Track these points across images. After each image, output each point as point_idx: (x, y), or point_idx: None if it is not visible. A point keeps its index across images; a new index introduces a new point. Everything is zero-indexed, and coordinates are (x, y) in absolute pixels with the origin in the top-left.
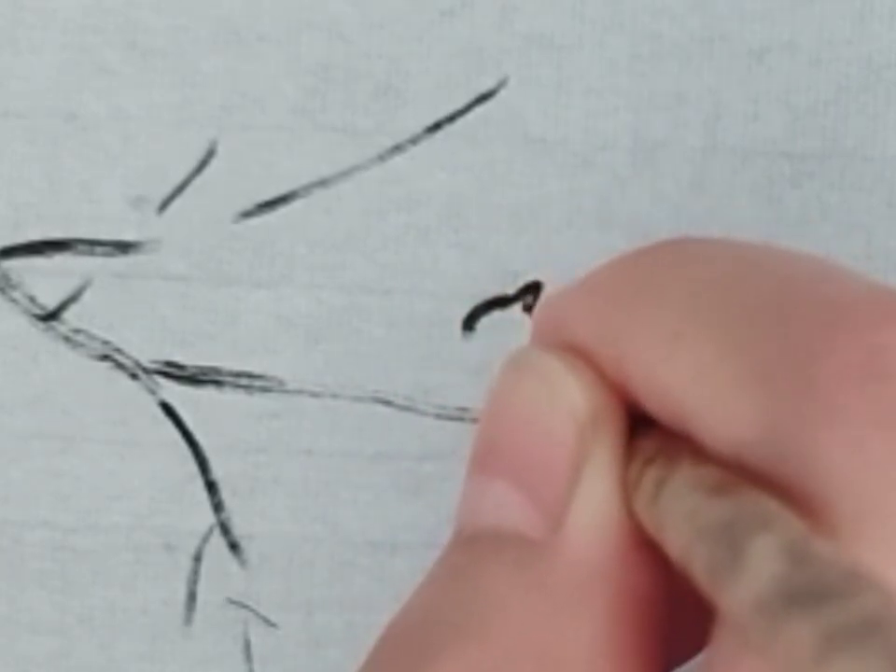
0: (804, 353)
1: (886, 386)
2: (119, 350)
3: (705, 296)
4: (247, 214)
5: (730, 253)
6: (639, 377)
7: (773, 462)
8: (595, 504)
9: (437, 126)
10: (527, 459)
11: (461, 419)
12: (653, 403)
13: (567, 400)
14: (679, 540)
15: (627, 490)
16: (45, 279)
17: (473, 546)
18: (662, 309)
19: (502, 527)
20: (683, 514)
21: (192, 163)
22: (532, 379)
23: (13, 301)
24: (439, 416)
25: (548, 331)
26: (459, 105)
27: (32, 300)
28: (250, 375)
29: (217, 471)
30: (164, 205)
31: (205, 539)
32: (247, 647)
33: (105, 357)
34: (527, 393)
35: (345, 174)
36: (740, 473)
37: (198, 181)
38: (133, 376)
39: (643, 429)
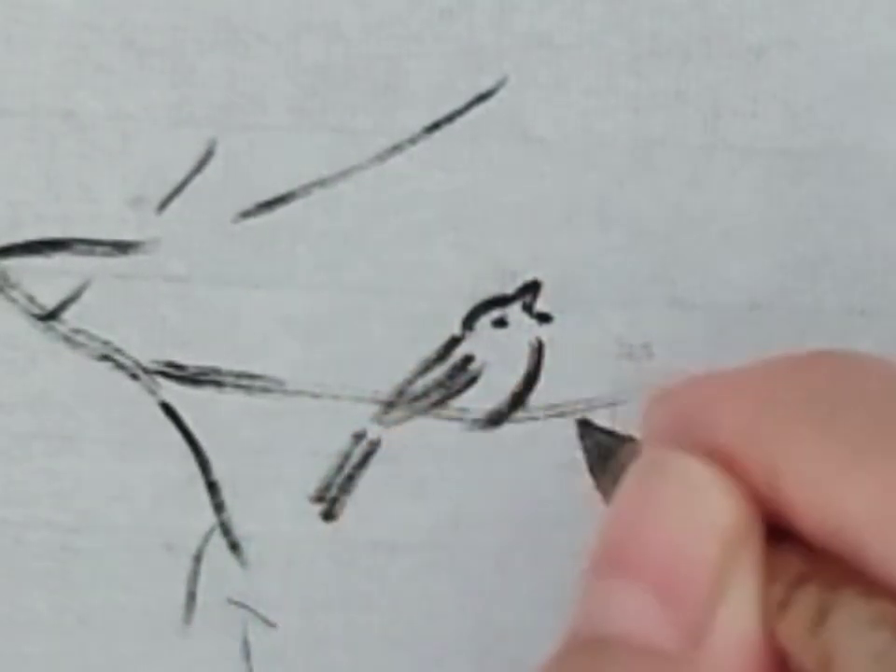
0: None
1: None
2: (119, 350)
3: (884, 415)
4: (247, 214)
5: None
6: (797, 492)
7: None
8: (737, 624)
9: (436, 126)
10: (667, 571)
11: (461, 419)
12: (812, 520)
13: (713, 514)
14: None
15: (770, 611)
16: (44, 279)
17: (598, 652)
18: (836, 422)
19: (630, 635)
20: (869, 653)
21: (191, 163)
22: (677, 487)
23: (12, 300)
24: (438, 416)
25: (674, 430)
26: (458, 104)
27: (31, 299)
28: (250, 375)
29: (218, 472)
30: (163, 205)
31: (206, 539)
32: (246, 646)
33: (105, 358)
34: (671, 501)
35: (344, 173)
36: None
37: (197, 181)
38: (134, 376)
39: (780, 541)
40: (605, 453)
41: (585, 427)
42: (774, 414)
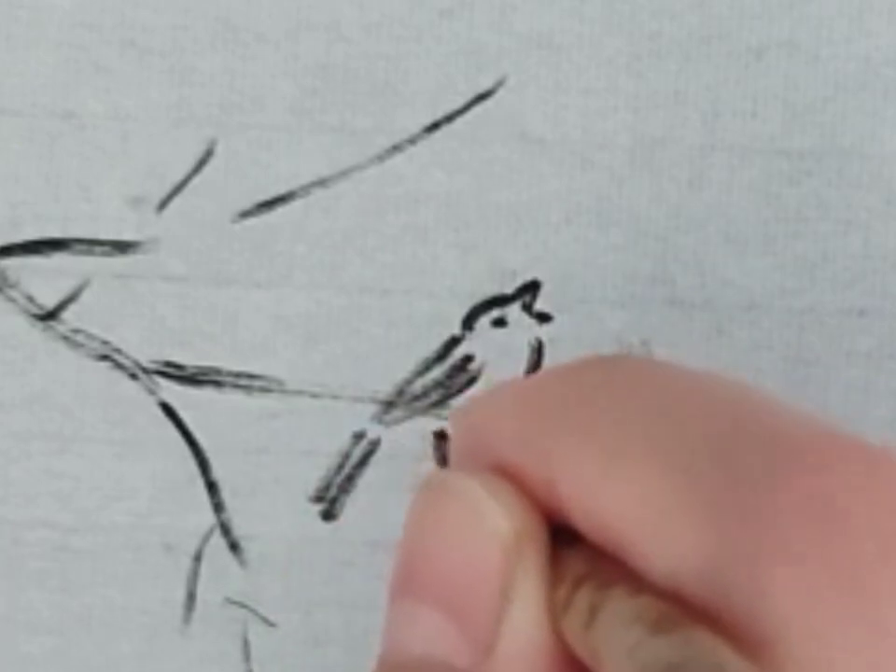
0: (753, 487)
1: (835, 528)
2: (118, 350)
3: (645, 417)
4: (246, 214)
5: (669, 375)
6: (572, 497)
7: (714, 594)
8: (523, 630)
9: (435, 126)
10: (453, 586)
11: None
12: (585, 524)
13: (491, 526)
14: None
15: (556, 612)
16: (43, 279)
17: None
18: (598, 428)
19: (430, 656)
20: (624, 649)
21: (191, 163)
22: (454, 504)
23: (11, 300)
24: (438, 416)
25: (468, 444)
26: (458, 104)
27: (30, 299)
28: (250, 375)
29: (218, 471)
30: (163, 205)
31: (205, 539)
32: (246, 646)
33: (104, 357)
34: (450, 519)
35: (344, 173)
36: (675, 603)
37: (197, 181)
38: (133, 376)
39: (569, 544)
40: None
41: (439, 439)
42: (546, 423)
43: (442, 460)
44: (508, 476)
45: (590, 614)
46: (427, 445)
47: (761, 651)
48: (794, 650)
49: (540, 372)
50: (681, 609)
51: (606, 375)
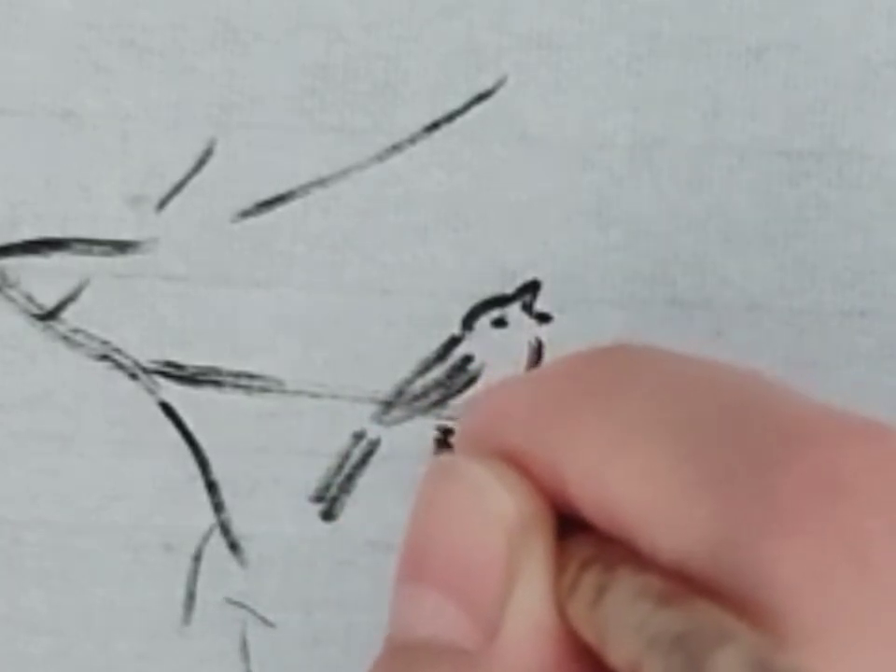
0: (760, 464)
1: (843, 503)
2: (118, 350)
3: (651, 401)
4: (246, 213)
5: (674, 360)
6: (577, 481)
7: (722, 570)
8: (528, 612)
9: (435, 125)
10: (459, 569)
11: (460, 419)
12: (592, 508)
13: (497, 510)
14: (627, 650)
15: (561, 596)
16: (42, 278)
17: (406, 656)
18: (604, 412)
19: (436, 638)
20: (631, 624)
21: (190, 162)
22: (461, 489)
23: (11, 299)
24: (438, 416)
25: (476, 432)
26: (458, 104)
27: (30, 299)
28: (250, 375)
29: (218, 471)
30: (162, 205)
31: (205, 538)
32: (245, 646)
33: (104, 357)
34: (457, 503)
35: (344, 173)
36: (682, 583)
37: (196, 180)
38: (133, 376)
39: (575, 533)
40: None
41: (439, 445)
42: (552, 410)
43: None
44: (514, 463)
45: (597, 594)
46: (429, 450)
47: (768, 624)
48: (801, 622)
49: (545, 364)
50: (687, 586)
51: (610, 363)
